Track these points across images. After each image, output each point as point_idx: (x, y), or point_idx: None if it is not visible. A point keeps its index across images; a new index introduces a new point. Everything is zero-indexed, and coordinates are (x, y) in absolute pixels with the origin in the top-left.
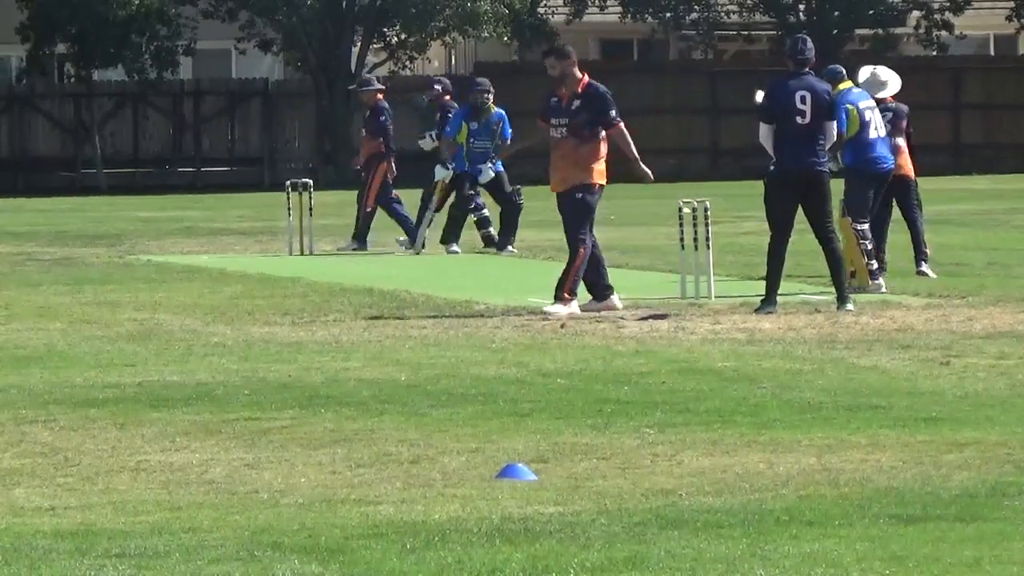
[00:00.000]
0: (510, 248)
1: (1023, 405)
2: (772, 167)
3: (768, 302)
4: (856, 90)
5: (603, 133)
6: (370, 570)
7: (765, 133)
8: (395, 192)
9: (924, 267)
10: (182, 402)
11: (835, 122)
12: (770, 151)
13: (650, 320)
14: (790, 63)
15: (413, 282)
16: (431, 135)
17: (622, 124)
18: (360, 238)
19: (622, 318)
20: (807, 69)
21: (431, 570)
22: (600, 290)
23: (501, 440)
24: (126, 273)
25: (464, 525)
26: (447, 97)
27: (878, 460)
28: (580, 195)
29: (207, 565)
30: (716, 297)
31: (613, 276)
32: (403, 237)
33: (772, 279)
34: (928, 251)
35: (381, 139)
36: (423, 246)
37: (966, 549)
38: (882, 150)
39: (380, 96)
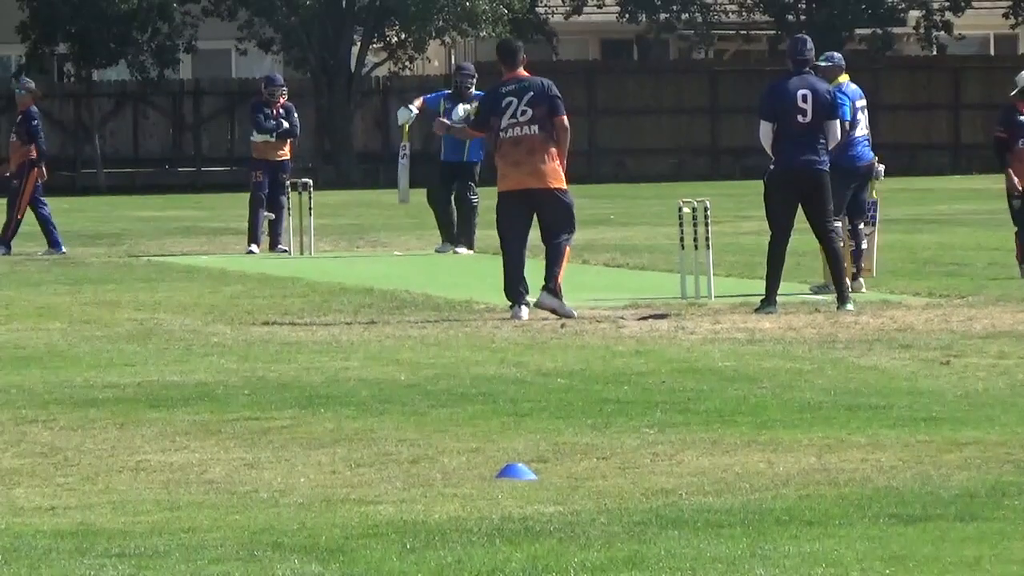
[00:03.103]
0: (461, 250)
1: (1023, 405)
2: (772, 166)
3: (768, 302)
4: (853, 86)
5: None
6: (370, 570)
7: (765, 132)
8: (44, 198)
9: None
10: (182, 402)
11: (837, 121)
12: (769, 150)
13: (650, 320)
14: (790, 63)
15: (413, 282)
16: None
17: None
18: (4, 242)
19: (622, 317)
20: (807, 69)
21: (431, 570)
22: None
23: (501, 440)
24: (126, 273)
25: (464, 525)
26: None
27: (878, 460)
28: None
29: (207, 565)
30: (716, 297)
31: (614, 276)
32: (47, 247)
33: (772, 279)
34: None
35: (32, 145)
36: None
37: (966, 549)
38: (863, 148)
39: (33, 101)
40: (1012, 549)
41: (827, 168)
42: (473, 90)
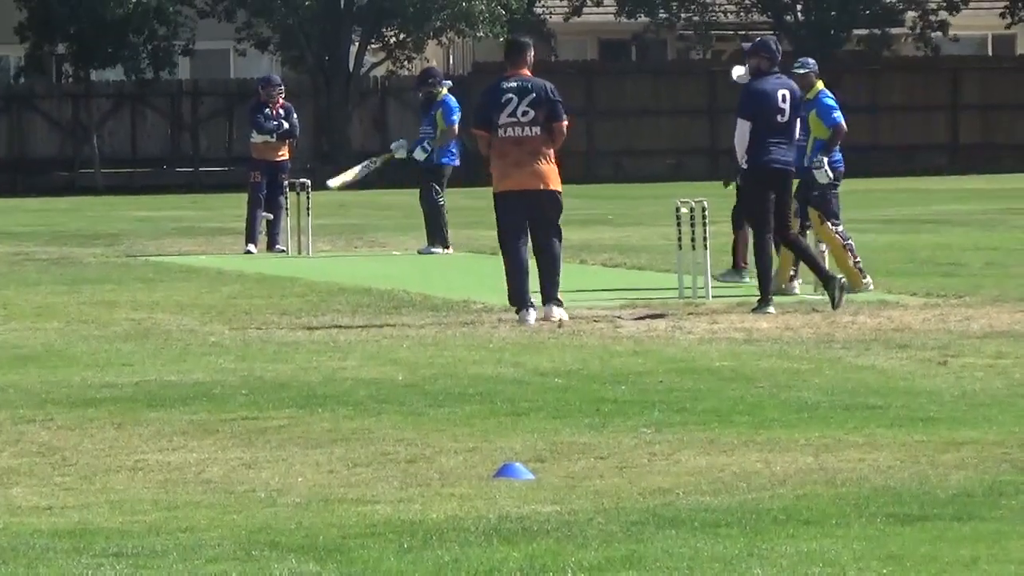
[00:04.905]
0: (437, 249)
1: (1020, 405)
2: (745, 166)
3: (764, 302)
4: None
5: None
6: (367, 569)
7: (743, 132)
8: None
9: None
10: (179, 401)
11: (797, 120)
12: (742, 151)
13: (648, 320)
14: (765, 63)
15: (411, 282)
16: None
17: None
18: None
19: (619, 317)
20: (776, 69)
21: (428, 569)
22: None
23: (498, 439)
24: (124, 273)
25: (461, 524)
26: None
27: (875, 459)
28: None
29: (204, 564)
30: (713, 297)
31: (611, 275)
32: None
33: (765, 278)
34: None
35: None
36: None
37: (963, 548)
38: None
39: None
40: (1009, 549)
41: (794, 168)
42: (444, 91)
